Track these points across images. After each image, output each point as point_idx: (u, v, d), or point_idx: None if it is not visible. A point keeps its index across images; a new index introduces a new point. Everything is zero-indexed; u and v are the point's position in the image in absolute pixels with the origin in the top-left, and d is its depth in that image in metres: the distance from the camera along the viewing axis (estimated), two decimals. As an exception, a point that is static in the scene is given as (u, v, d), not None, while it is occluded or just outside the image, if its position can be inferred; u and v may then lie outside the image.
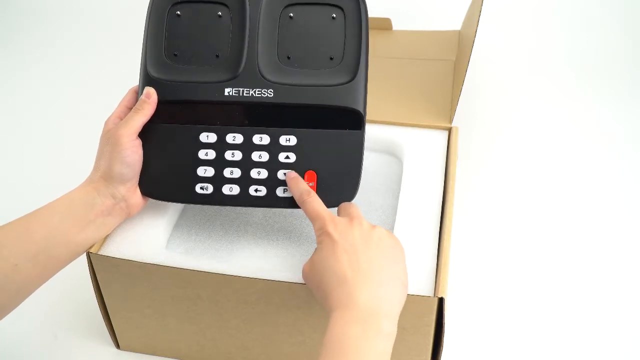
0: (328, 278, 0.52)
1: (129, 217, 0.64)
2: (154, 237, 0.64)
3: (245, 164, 0.63)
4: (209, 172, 0.63)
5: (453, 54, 0.96)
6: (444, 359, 0.65)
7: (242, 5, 0.64)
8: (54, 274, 0.60)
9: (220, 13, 0.64)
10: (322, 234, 0.55)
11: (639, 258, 0.82)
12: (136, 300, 0.65)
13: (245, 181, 0.63)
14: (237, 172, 0.63)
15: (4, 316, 0.58)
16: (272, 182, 0.63)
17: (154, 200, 0.66)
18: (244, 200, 0.63)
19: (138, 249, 0.63)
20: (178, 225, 0.69)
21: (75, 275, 0.70)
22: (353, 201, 0.62)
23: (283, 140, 0.63)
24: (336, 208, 0.61)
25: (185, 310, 0.64)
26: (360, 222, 0.55)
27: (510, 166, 0.96)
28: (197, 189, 0.63)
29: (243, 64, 0.63)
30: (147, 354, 0.72)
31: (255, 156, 0.63)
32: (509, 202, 0.90)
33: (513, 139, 1.01)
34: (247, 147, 0.63)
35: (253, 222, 0.69)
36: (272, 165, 0.63)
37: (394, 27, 1.06)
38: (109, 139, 0.61)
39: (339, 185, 0.62)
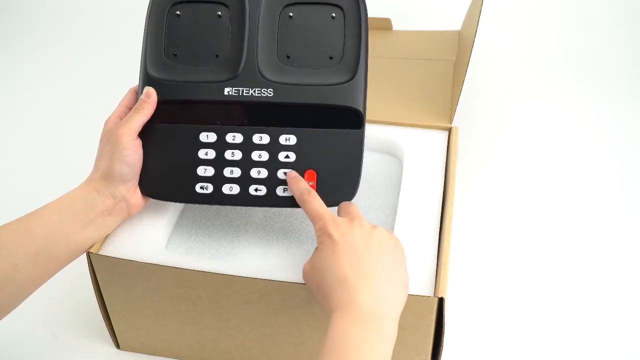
0: (329, 279, 0.52)
1: (129, 216, 0.64)
2: (154, 237, 0.64)
3: (245, 164, 0.63)
4: (209, 171, 0.63)
5: (453, 54, 0.96)
6: (444, 359, 0.65)
7: (242, 5, 0.64)
8: (54, 274, 0.60)
9: (219, 13, 0.64)
10: (323, 234, 0.55)
11: (639, 258, 0.82)
12: (136, 300, 0.65)
13: (245, 180, 0.63)
14: (237, 172, 0.63)
15: (4, 316, 0.58)
16: (272, 182, 0.63)
17: (154, 200, 0.66)
18: (244, 199, 0.63)
19: (138, 249, 0.63)
20: (178, 225, 0.69)
21: (75, 275, 0.70)
22: (353, 201, 0.62)
23: (283, 139, 0.63)
24: (336, 207, 0.61)
25: (185, 310, 0.64)
26: (360, 222, 0.55)
27: (510, 166, 0.96)
28: (197, 188, 0.63)
29: (243, 64, 0.63)
30: (147, 354, 0.72)
31: (255, 155, 0.63)
32: (509, 202, 0.90)
33: (513, 139, 1.01)
34: (247, 147, 0.63)
35: (253, 222, 0.69)
36: (272, 165, 0.63)
37: (394, 27, 1.06)
38: (109, 139, 0.61)
39: (339, 185, 0.62)
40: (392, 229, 0.65)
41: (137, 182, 0.63)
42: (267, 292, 0.60)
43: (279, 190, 0.63)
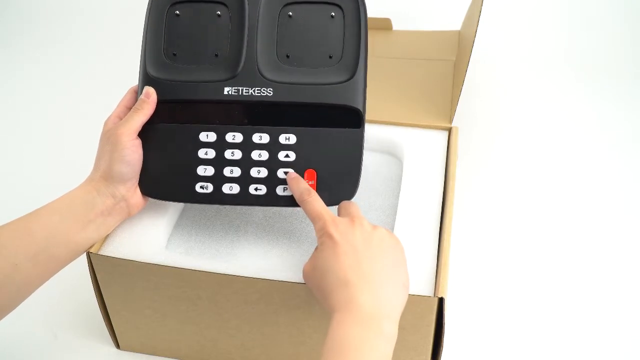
0: (329, 279, 0.52)
1: (129, 216, 0.64)
2: (154, 237, 0.64)
3: (245, 163, 0.63)
4: (209, 171, 0.63)
5: (453, 54, 0.96)
6: (444, 359, 0.65)
7: (241, 5, 0.64)
8: (54, 274, 0.60)
9: (219, 12, 0.64)
10: (323, 234, 0.55)
11: (639, 258, 0.82)
12: (136, 300, 0.65)
13: (245, 180, 0.63)
14: (237, 171, 0.63)
15: (4, 316, 0.58)
16: (272, 181, 0.63)
17: (154, 200, 0.66)
18: (244, 199, 0.63)
19: (138, 249, 0.63)
20: (178, 225, 0.69)
21: (75, 275, 0.70)
22: (353, 200, 0.62)
23: (283, 138, 0.63)
24: (336, 207, 0.61)
25: (185, 310, 0.64)
26: (361, 222, 0.55)
27: (510, 166, 0.96)
28: (197, 188, 0.63)
29: (242, 63, 0.63)
30: (147, 354, 0.72)
31: (255, 155, 0.63)
32: (509, 202, 0.90)
33: (513, 139, 1.01)
34: (247, 146, 0.63)
35: (253, 222, 0.69)
36: (272, 164, 0.63)
37: (394, 27, 1.06)
38: (109, 139, 0.61)
39: (338, 184, 0.62)
40: (392, 229, 0.65)
41: (137, 182, 0.63)
42: (267, 292, 0.60)
43: (279, 190, 0.63)
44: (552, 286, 0.78)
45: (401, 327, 0.52)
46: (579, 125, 1.03)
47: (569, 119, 1.05)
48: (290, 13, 0.64)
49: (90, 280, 0.64)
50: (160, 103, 0.63)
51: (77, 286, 0.76)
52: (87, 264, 0.63)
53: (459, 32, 1.02)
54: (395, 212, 0.68)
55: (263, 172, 0.63)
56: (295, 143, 0.63)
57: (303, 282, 0.57)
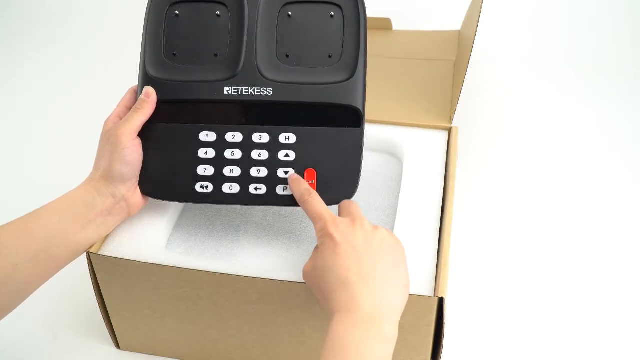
0: (329, 279, 0.52)
1: (129, 216, 0.64)
2: (154, 237, 0.64)
3: (245, 163, 0.63)
4: (209, 170, 0.63)
5: (453, 54, 0.96)
6: (444, 359, 0.65)
7: (241, 5, 0.64)
8: (54, 274, 0.60)
9: (218, 12, 0.64)
10: (324, 235, 0.55)
11: (639, 258, 0.82)
12: (136, 300, 0.65)
13: (245, 179, 0.63)
14: (237, 171, 0.63)
15: (4, 316, 0.58)
16: (272, 180, 0.63)
17: (154, 200, 0.66)
18: (244, 198, 0.63)
19: (138, 249, 0.63)
20: (178, 225, 0.69)
21: (75, 275, 0.70)
22: (353, 199, 0.62)
23: (282, 138, 0.63)
24: (336, 206, 0.61)
25: (185, 310, 0.64)
26: (362, 223, 0.55)
27: (510, 166, 0.96)
28: (197, 188, 0.63)
29: (242, 63, 0.63)
30: (147, 354, 0.72)
31: (255, 154, 0.63)
32: (509, 202, 0.90)
33: (513, 139, 1.01)
34: (247, 146, 0.63)
35: (253, 222, 0.69)
36: (272, 164, 0.63)
37: (394, 27, 1.06)
38: (109, 139, 0.61)
39: (339, 183, 0.62)
40: (392, 229, 0.65)
41: (137, 181, 0.63)
42: (267, 292, 0.60)
43: (279, 189, 0.63)
44: (552, 286, 0.78)
45: (401, 327, 0.52)
46: (579, 125, 1.03)
47: (569, 119, 1.05)
48: (290, 13, 0.64)
49: (90, 280, 0.64)
50: (160, 103, 0.63)
51: (77, 286, 0.76)
52: (87, 264, 0.63)
53: (459, 32, 1.02)
54: (395, 212, 0.68)
55: (263, 172, 0.63)
56: (295, 142, 0.63)
57: (303, 282, 0.57)
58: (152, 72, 0.64)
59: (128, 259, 0.61)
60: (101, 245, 0.63)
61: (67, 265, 0.60)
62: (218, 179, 0.63)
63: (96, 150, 0.62)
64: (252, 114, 0.63)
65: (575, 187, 0.92)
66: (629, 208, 0.89)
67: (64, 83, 1.19)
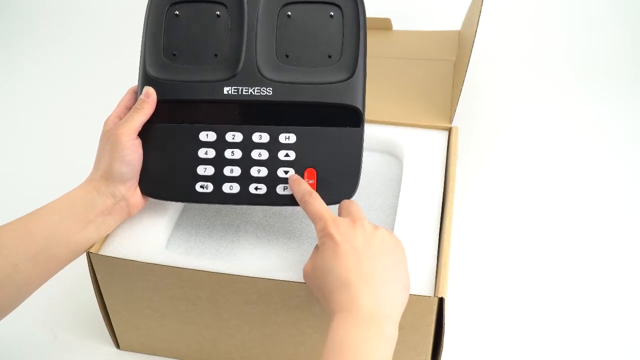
0: (330, 280, 0.52)
1: (129, 216, 0.64)
2: (154, 237, 0.64)
3: (245, 162, 0.63)
4: (209, 170, 0.63)
5: (453, 54, 0.96)
6: (444, 359, 0.65)
7: (240, 5, 0.64)
8: (54, 274, 0.60)
9: (218, 12, 0.64)
10: (324, 235, 0.55)
11: (639, 258, 0.82)
12: (136, 300, 0.65)
13: (245, 179, 0.63)
14: (237, 171, 0.63)
15: (4, 316, 0.58)
16: (272, 180, 0.63)
17: (154, 200, 0.66)
18: (244, 198, 0.63)
19: (138, 249, 0.63)
20: (178, 225, 0.69)
21: (75, 275, 0.70)
22: (353, 199, 0.62)
23: (282, 138, 0.63)
24: (336, 206, 0.61)
25: (185, 310, 0.64)
26: (362, 223, 0.55)
27: (510, 166, 0.96)
28: (197, 187, 0.63)
29: (242, 63, 0.63)
30: (147, 354, 0.72)
31: (255, 154, 0.63)
32: (509, 202, 0.90)
33: (513, 139, 1.01)
34: (247, 146, 0.63)
35: (253, 222, 0.69)
36: (272, 163, 0.63)
37: (394, 27, 1.06)
38: (109, 138, 0.61)
39: (339, 183, 0.62)
40: (392, 229, 0.65)
41: (137, 181, 0.63)
42: (267, 292, 0.60)
43: (279, 189, 0.63)
44: (552, 286, 0.78)
45: (401, 327, 0.52)
46: (579, 125, 1.03)
47: (569, 119, 1.05)
48: (289, 13, 0.64)
49: (90, 280, 0.64)
50: (160, 103, 0.63)
51: (77, 286, 0.76)
52: (87, 264, 0.63)
53: (459, 32, 1.02)
54: (395, 212, 0.68)
55: (263, 172, 0.63)
56: (295, 142, 0.63)
57: (303, 281, 0.57)
58: (152, 72, 0.64)
59: (128, 259, 0.61)
60: (101, 245, 0.63)
61: (67, 265, 0.60)
62: (218, 179, 0.63)
63: (96, 150, 0.62)
64: (252, 114, 0.63)
65: (575, 187, 0.92)
66: (629, 208, 0.89)
67: (64, 83, 1.19)
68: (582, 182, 0.93)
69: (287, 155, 0.63)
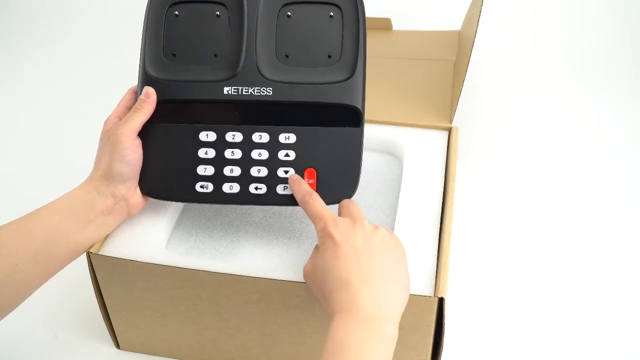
0: (330, 280, 0.52)
1: (129, 216, 0.64)
2: (154, 237, 0.64)
3: (245, 162, 0.63)
4: (209, 170, 0.63)
5: (453, 54, 0.96)
6: (444, 359, 0.65)
7: (240, 5, 0.64)
8: (54, 274, 0.60)
9: (218, 13, 0.64)
10: (324, 235, 0.55)
11: (639, 258, 0.82)
12: (136, 300, 0.65)
13: (245, 179, 0.63)
14: (237, 170, 0.63)
15: (4, 316, 0.58)
16: (272, 180, 0.63)
17: (154, 200, 0.66)
18: (244, 198, 0.63)
19: (138, 249, 0.63)
20: (178, 225, 0.69)
21: (75, 275, 0.70)
22: (353, 199, 0.62)
23: (282, 138, 0.63)
24: (336, 206, 0.61)
25: (185, 310, 0.64)
26: (362, 223, 0.55)
27: (510, 166, 0.96)
28: (197, 187, 0.63)
29: (242, 63, 0.63)
30: (147, 354, 0.72)
31: (255, 154, 0.63)
32: (509, 202, 0.90)
33: (513, 139, 1.01)
34: (247, 145, 0.63)
35: (253, 221, 0.69)
36: (272, 163, 0.63)
37: (394, 27, 1.06)
38: (109, 138, 0.61)
39: (339, 182, 0.62)
40: (392, 229, 0.65)
41: (137, 181, 0.63)
42: (267, 292, 0.60)
43: (279, 189, 0.63)
44: (552, 286, 0.78)
45: (401, 327, 0.52)
46: (579, 126, 1.03)
47: (569, 119, 1.05)
48: (289, 13, 0.64)
49: (90, 280, 0.64)
50: (160, 103, 0.63)
51: (77, 286, 0.76)
52: (87, 264, 0.63)
53: (459, 32, 1.02)
54: (395, 212, 0.68)
55: (263, 171, 0.63)
56: (295, 142, 0.63)
57: (303, 281, 0.57)
58: (151, 72, 0.64)
59: (128, 259, 0.61)
60: (101, 245, 0.63)
61: (67, 265, 0.60)
62: (218, 179, 0.63)
63: (96, 150, 0.62)
64: (252, 114, 0.63)
65: (575, 187, 0.92)
66: (629, 208, 0.89)
67: (64, 83, 1.19)
68: (582, 182, 0.93)
69: (287, 155, 0.63)
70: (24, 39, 1.33)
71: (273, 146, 0.63)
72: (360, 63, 0.63)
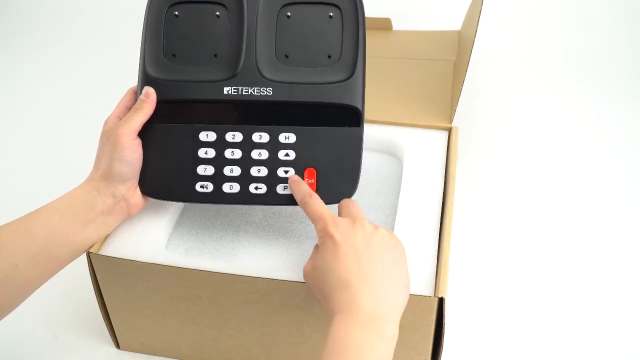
0: (330, 280, 0.52)
1: (129, 216, 0.64)
2: (154, 237, 0.64)
3: (245, 162, 0.63)
4: (209, 170, 0.63)
5: (453, 54, 0.96)
6: (444, 359, 0.65)
7: (240, 5, 0.64)
8: (54, 274, 0.60)
9: (218, 13, 0.64)
10: (324, 235, 0.55)
11: (639, 258, 0.82)
12: (136, 300, 0.65)
13: (245, 179, 0.63)
14: (237, 170, 0.63)
15: (4, 316, 0.58)
16: (272, 180, 0.63)
17: (154, 200, 0.66)
18: (244, 198, 0.63)
19: (138, 249, 0.63)
20: (178, 225, 0.69)
21: (75, 275, 0.70)
22: (353, 199, 0.62)
23: (282, 138, 0.63)
24: (336, 206, 0.61)
25: (185, 310, 0.64)
26: (362, 223, 0.55)
27: (510, 166, 0.96)
28: (198, 187, 0.63)
29: (241, 63, 0.63)
30: (147, 354, 0.72)
31: (255, 154, 0.63)
32: (509, 202, 0.90)
33: (513, 139, 1.01)
34: (247, 145, 0.63)
35: (253, 221, 0.69)
36: (272, 163, 0.63)
37: (394, 27, 1.06)
38: (109, 138, 0.61)
39: (338, 182, 0.62)
40: (392, 229, 0.65)
41: (137, 181, 0.63)
42: (267, 292, 0.60)
43: (279, 188, 0.63)
44: (552, 286, 0.78)
45: (401, 327, 0.52)
46: (579, 126, 1.03)
47: (569, 119, 1.05)
48: (289, 13, 0.64)
49: (90, 280, 0.64)
50: (160, 103, 0.63)
51: (77, 286, 0.76)
52: (87, 264, 0.63)
53: (459, 32, 1.02)
54: (395, 212, 0.68)
55: (263, 171, 0.63)
56: (295, 142, 0.63)
57: (303, 281, 0.57)
58: (151, 72, 0.64)
59: (128, 259, 0.61)
60: (101, 245, 0.63)
61: (67, 265, 0.60)
62: (218, 179, 0.63)
63: (96, 150, 0.62)
64: (252, 114, 0.63)
65: (575, 187, 0.92)
66: (629, 208, 0.89)
67: (64, 83, 1.19)
68: (582, 182, 0.93)
69: (287, 155, 0.63)
70: (24, 39, 1.33)
71: (273, 146, 0.63)
72: (360, 63, 0.63)
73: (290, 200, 0.62)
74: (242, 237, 0.68)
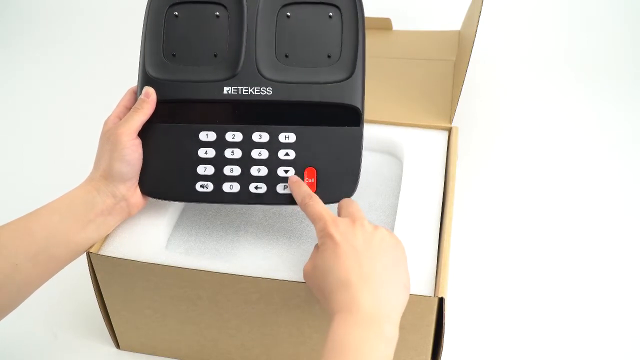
0: (330, 280, 0.52)
1: (129, 216, 0.64)
2: (154, 237, 0.64)
3: (245, 162, 0.63)
4: (209, 170, 0.63)
5: (453, 54, 0.96)
6: (444, 359, 0.65)
7: (240, 5, 0.64)
8: (54, 274, 0.60)
9: (217, 13, 0.64)
10: (324, 235, 0.55)
11: (639, 258, 0.82)
12: (136, 300, 0.65)
13: (245, 179, 0.63)
14: (237, 170, 0.63)
15: (4, 316, 0.58)
16: (272, 179, 0.63)
17: (154, 200, 0.66)
18: (244, 197, 0.63)
19: (138, 249, 0.63)
20: (178, 225, 0.69)
21: (75, 275, 0.70)
22: (353, 199, 0.62)
23: (282, 137, 0.63)
24: (336, 205, 0.61)
25: (185, 310, 0.64)
26: (362, 223, 0.55)
27: (510, 166, 0.96)
28: (198, 187, 0.63)
29: (241, 63, 0.63)
30: (147, 354, 0.72)
31: (255, 154, 0.63)
32: (509, 202, 0.90)
33: (513, 139, 1.01)
34: (247, 145, 0.63)
35: (253, 222, 0.69)
36: (272, 163, 0.63)
37: (394, 27, 1.06)
38: (109, 138, 0.61)
39: (338, 182, 0.62)
40: (392, 229, 0.65)
41: (137, 181, 0.63)
42: (267, 292, 0.60)
43: (279, 188, 0.63)
44: (552, 286, 0.78)
45: (401, 327, 0.52)
46: (579, 126, 1.03)
47: (569, 119, 1.05)
48: (289, 13, 0.64)
49: (90, 280, 0.64)
50: (159, 103, 0.63)
51: (77, 286, 0.76)
52: (87, 264, 0.63)
53: (459, 32, 1.02)
54: (395, 212, 0.68)
55: (263, 171, 0.63)
56: (294, 141, 0.63)
57: (303, 281, 0.57)
58: (151, 72, 0.64)
59: (128, 259, 0.61)
60: (101, 245, 0.63)
61: (67, 265, 0.60)
62: (218, 178, 0.63)
63: (96, 150, 0.62)
64: (252, 114, 0.63)
65: (575, 187, 0.92)
66: (629, 208, 0.89)
67: (64, 83, 1.19)
68: (582, 182, 0.93)
69: (287, 154, 0.63)
70: (24, 39, 1.33)
71: (273, 146, 0.63)
72: (359, 63, 0.63)
73: (290, 200, 0.62)
74: (242, 237, 0.68)
